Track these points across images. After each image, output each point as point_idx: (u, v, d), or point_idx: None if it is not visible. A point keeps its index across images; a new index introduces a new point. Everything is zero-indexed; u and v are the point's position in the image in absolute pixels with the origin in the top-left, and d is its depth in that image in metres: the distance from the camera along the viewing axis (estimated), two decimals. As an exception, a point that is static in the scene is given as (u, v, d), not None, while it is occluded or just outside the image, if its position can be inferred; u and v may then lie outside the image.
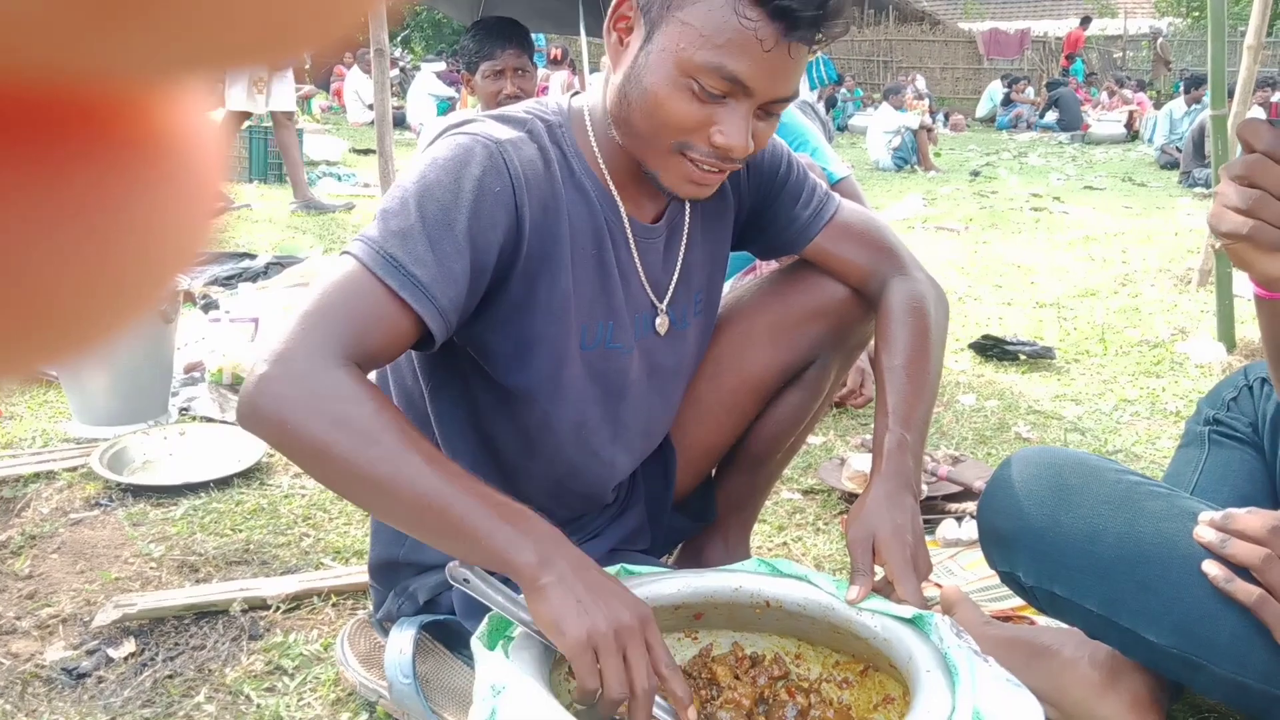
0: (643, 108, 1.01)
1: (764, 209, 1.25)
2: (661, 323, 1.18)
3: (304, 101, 9.92)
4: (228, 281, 3.33)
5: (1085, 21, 17.05)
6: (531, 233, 1.02)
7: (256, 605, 1.39)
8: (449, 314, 0.96)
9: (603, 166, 1.10)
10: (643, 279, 1.15)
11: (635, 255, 1.13)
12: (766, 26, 0.96)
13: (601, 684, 0.84)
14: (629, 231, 1.12)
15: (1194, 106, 9.32)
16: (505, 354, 1.07)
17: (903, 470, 1.08)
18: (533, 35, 3.08)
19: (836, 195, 1.28)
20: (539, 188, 1.03)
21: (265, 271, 3.46)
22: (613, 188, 1.10)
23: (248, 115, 5.05)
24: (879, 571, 1.03)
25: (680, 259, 1.18)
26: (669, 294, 1.18)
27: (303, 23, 0.12)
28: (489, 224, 0.98)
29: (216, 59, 0.12)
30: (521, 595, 0.88)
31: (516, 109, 1.11)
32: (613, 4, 1.03)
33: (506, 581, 0.92)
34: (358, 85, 11.14)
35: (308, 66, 11.56)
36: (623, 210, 1.11)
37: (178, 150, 0.13)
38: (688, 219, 1.19)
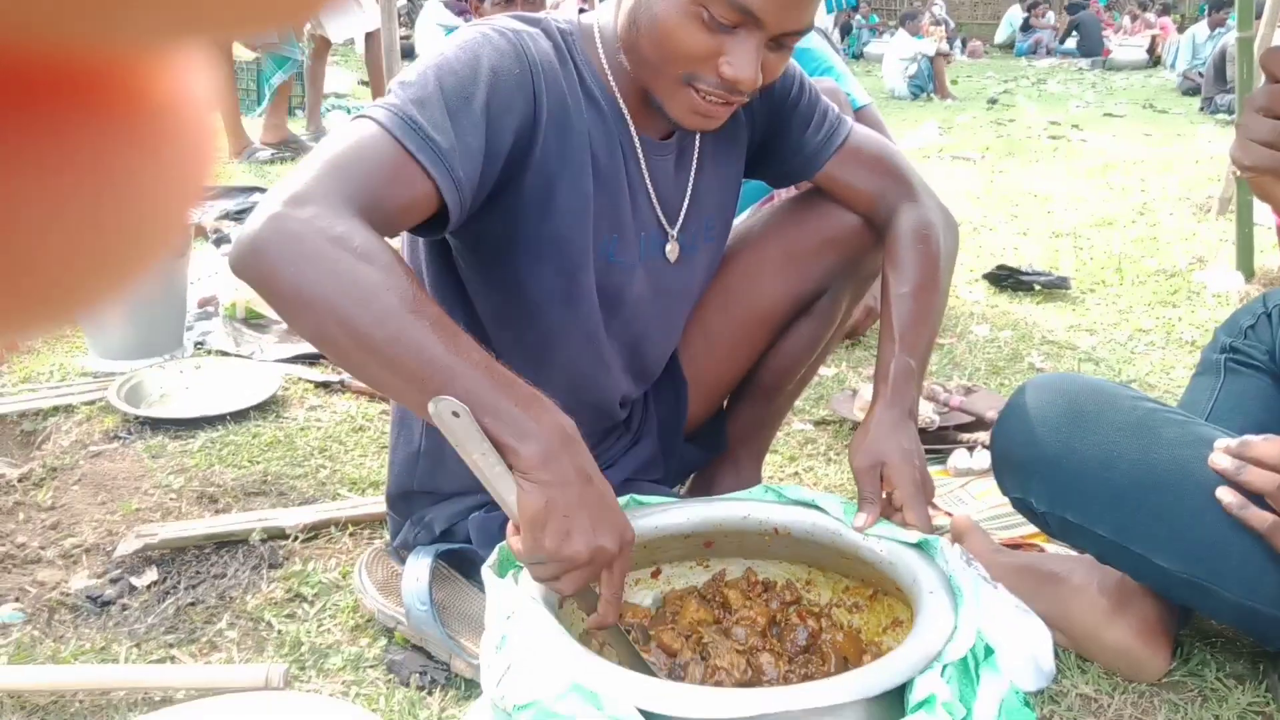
0: (651, 35, 0.99)
1: (775, 133, 1.23)
2: (672, 250, 1.17)
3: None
4: (238, 215, 3.32)
5: None
6: (549, 124, 1.01)
7: (275, 535, 1.41)
8: (464, 188, 0.93)
9: (612, 83, 1.08)
10: (652, 198, 1.14)
11: (645, 172, 1.12)
12: None
13: (564, 591, 0.85)
14: (638, 147, 1.11)
15: (1218, 30, 9.07)
16: (523, 252, 1.06)
17: (907, 397, 1.08)
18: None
19: (849, 119, 1.26)
20: (556, 82, 1.02)
21: (275, 206, 3.44)
22: (622, 103, 1.09)
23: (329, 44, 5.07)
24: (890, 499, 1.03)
25: (691, 181, 1.17)
26: (680, 220, 1.17)
27: None
28: (506, 106, 0.97)
29: (208, 24, 0.12)
30: (496, 550, 0.88)
31: (533, 14, 1.09)
32: None
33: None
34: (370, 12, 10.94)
35: None
36: (632, 126, 1.10)
37: (170, 114, 0.14)
38: (698, 140, 1.17)
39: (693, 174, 1.17)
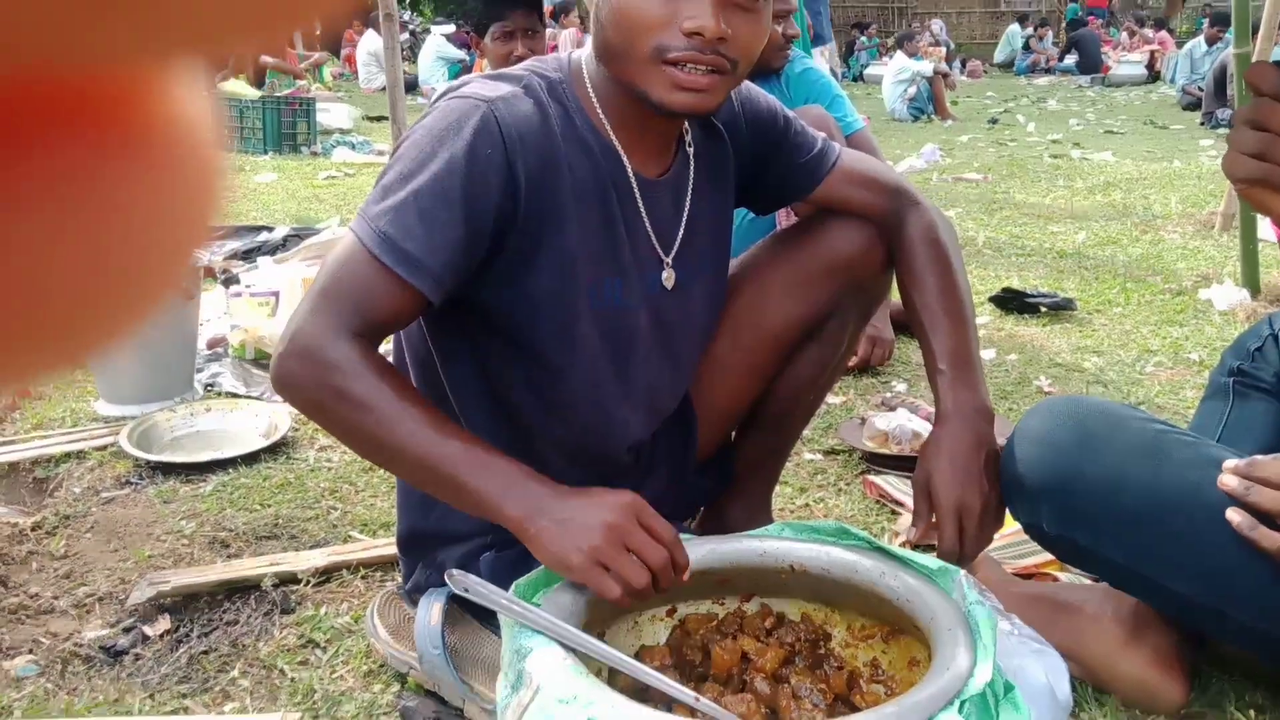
0: (613, 21, 1.02)
1: (765, 163, 1.25)
2: (668, 277, 1.18)
3: (315, 69, 9.87)
4: (247, 255, 3.34)
5: None
6: (528, 189, 1.03)
7: (287, 579, 1.41)
8: (444, 280, 1.00)
9: (604, 121, 1.10)
10: (650, 233, 1.15)
11: (642, 209, 1.13)
12: None
13: (622, 584, 0.91)
14: (634, 185, 1.12)
15: (1216, 45, 9.11)
16: (515, 311, 1.08)
17: (959, 407, 1.15)
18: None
19: (836, 144, 1.29)
20: (535, 143, 1.04)
21: (284, 244, 3.47)
22: (616, 142, 1.11)
23: None
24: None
25: (686, 212, 1.18)
26: (675, 248, 1.18)
27: (290, 3, 0.12)
28: (482, 189, 1.00)
29: (207, 41, 0.12)
30: (512, 589, 0.94)
31: (515, 68, 1.12)
32: None
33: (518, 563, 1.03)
34: (373, 47, 11.08)
35: (318, 32, 11.47)
36: (628, 164, 1.11)
37: (174, 136, 0.13)
38: (692, 172, 1.19)
39: (688, 206, 1.18)
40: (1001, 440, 1.76)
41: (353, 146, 6.54)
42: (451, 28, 11.30)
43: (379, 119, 7.82)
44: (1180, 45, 11.72)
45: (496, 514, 0.95)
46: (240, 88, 6.98)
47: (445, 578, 0.99)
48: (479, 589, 0.94)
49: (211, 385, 2.25)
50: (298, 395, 0.99)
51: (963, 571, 0.96)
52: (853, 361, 2.24)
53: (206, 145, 0.14)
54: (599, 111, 1.10)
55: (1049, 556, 1.38)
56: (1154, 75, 12.00)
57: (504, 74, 1.09)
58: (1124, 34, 14.24)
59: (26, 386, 0.13)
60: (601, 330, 1.13)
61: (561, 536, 0.92)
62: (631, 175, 1.12)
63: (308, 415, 1.02)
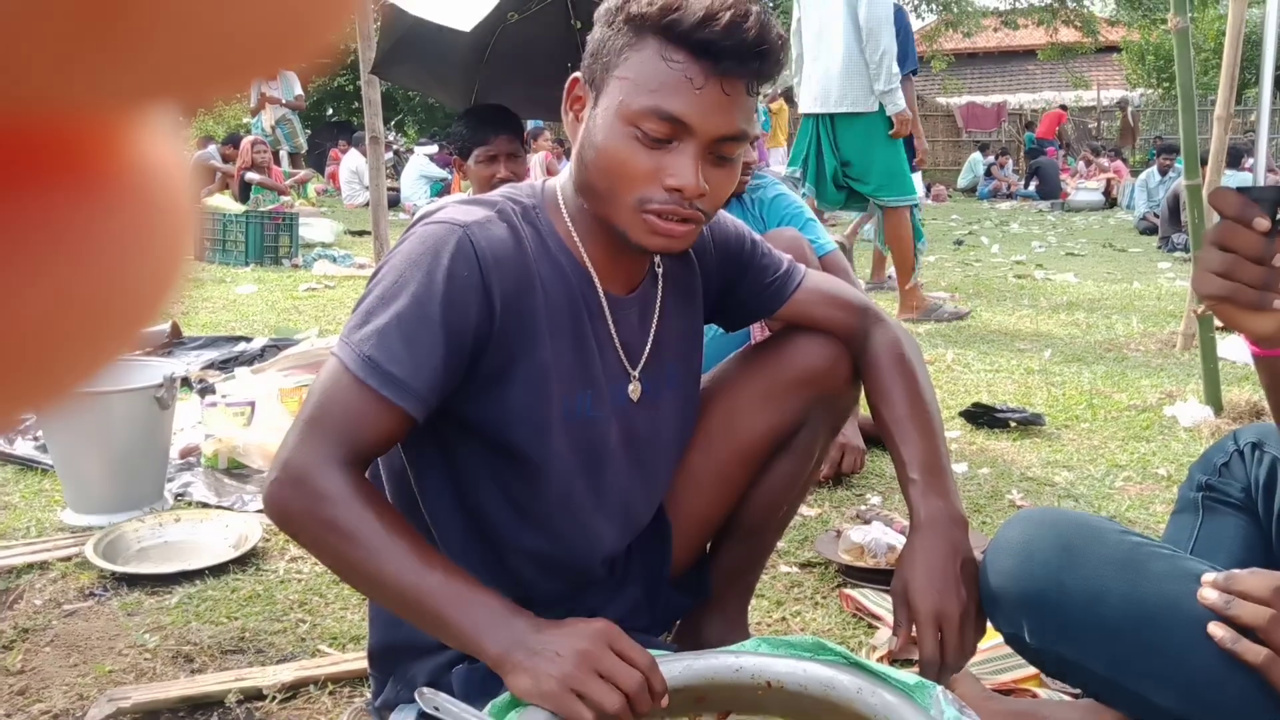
0: (597, 166, 1.06)
1: (734, 283, 1.31)
2: (634, 389, 1.20)
3: (300, 185, 10.06)
4: (224, 365, 3.34)
5: (1064, 108, 17.34)
6: (503, 309, 1.07)
7: (252, 695, 1.37)
8: (429, 399, 1.03)
9: (578, 243, 1.14)
10: (618, 347, 1.18)
11: (611, 325, 1.17)
12: (693, 65, 1.02)
13: (594, 709, 0.92)
14: (604, 303, 1.16)
15: (1168, 173, 9.53)
16: (490, 424, 1.11)
17: (933, 516, 1.16)
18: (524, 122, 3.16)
19: (801, 265, 1.34)
20: (509, 264, 1.07)
21: (261, 354, 3.47)
22: (588, 263, 1.14)
23: None
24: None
25: (653, 329, 1.22)
26: (642, 361, 1.21)
27: (261, 50, 0.12)
28: (461, 311, 1.04)
29: (179, 88, 0.12)
30: (486, 710, 0.94)
31: (490, 194, 1.17)
32: (566, 89, 1.11)
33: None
34: (356, 165, 11.34)
35: (304, 152, 11.73)
36: (598, 284, 1.15)
37: (144, 182, 0.13)
38: (660, 292, 1.23)
39: (655, 323, 1.22)
40: (977, 552, 1.78)
41: (334, 259, 6.62)
42: (434, 148, 11.61)
43: (361, 234, 7.95)
44: (1136, 174, 12.24)
45: (476, 649, 0.98)
46: (225, 202, 7.10)
47: (415, 695, 0.98)
48: (450, 708, 0.93)
49: (182, 495, 2.22)
50: (289, 523, 1.02)
51: (940, 687, 0.95)
52: (825, 470, 2.25)
53: (177, 190, 0.14)
54: (573, 235, 1.14)
55: (1029, 671, 1.37)
56: (1111, 201, 12.47)
57: (479, 200, 1.14)
58: (1080, 162, 14.86)
59: None
60: (574, 441, 1.15)
61: (536, 667, 0.94)
62: (601, 294, 1.16)
63: (299, 543, 1.06)
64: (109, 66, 0.11)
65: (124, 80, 0.11)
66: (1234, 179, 6.30)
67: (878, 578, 1.72)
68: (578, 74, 1.10)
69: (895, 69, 4.22)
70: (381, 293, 1.05)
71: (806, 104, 4.52)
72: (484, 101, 3.29)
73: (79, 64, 0.11)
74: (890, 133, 4.33)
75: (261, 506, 1.04)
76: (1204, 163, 3.17)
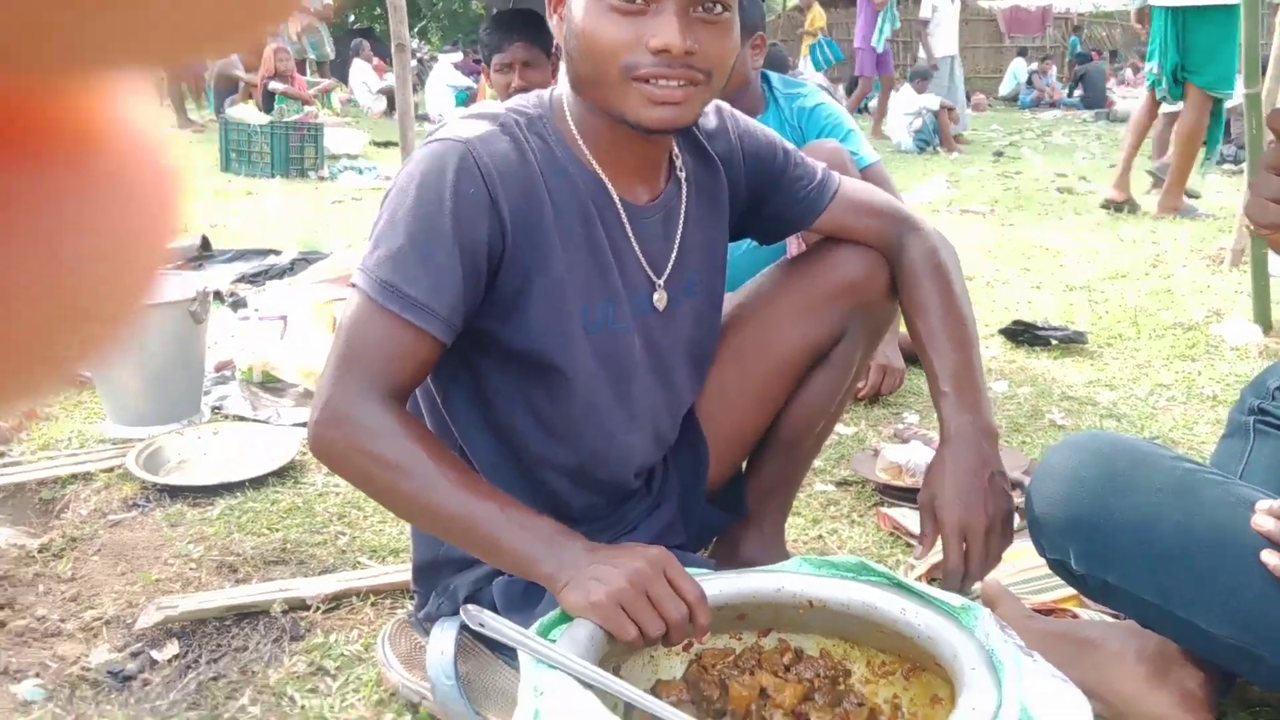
0: (581, 49, 1.04)
1: (766, 194, 1.27)
2: (660, 298, 1.19)
3: (324, 95, 9.94)
4: (255, 279, 3.34)
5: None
6: (514, 222, 1.05)
7: (296, 605, 1.39)
8: (454, 319, 1.03)
9: (586, 152, 1.12)
10: (639, 256, 1.16)
11: (630, 234, 1.15)
12: None
13: (637, 628, 0.92)
14: (621, 212, 1.13)
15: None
16: (513, 341, 1.10)
17: (962, 428, 1.15)
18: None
19: (837, 174, 1.30)
20: (515, 179, 1.06)
21: (291, 268, 3.47)
22: (600, 171, 1.12)
23: None
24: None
25: (678, 238, 1.19)
26: (667, 271, 1.19)
27: (237, 16, 0.12)
28: (470, 226, 1.03)
29: (157, 53, 0.11)
30: (533, 628, 0.94)
31: (494, 106, 1.15)
32: None
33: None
34: (363, 76, 11.19)
35: (330, 60, 11.58)
36: (613, 192, 1.13)
37: (126, 149, 0.13)
38: (684, 202, 1.20)
39: (679, 232, 1.19)
40: (1020, 474, 1.76)
41: (360, 172, 6.58)
42: (459, 55, 11.40)
43: (386, 144, 7.87)
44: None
45: (531, 571, 0.98)
46: (248, 113, 7.02)
47: (461, 612, 0.98)
48: (495, 624, 0.93)
49: (219, 408, 2.24)
50: (337, 462, 1.03)
51: (985, 609, 0.94)
52: (863, 390, 2.23)
53: (161, 159, 0.13)
54: (579, 142, 1.11)
55: (1068, 591, 1.36)
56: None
57: (482, 114, 1.12)
58: (1128, 69, 14.35)
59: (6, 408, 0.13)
60: (598, 353, 1.14)
61: (587, 582, 0.94)
62: (618, 201, 1.13)
63: (348, 480, 1.07)
64: (84, 31, 0.10)
65: (100, 45, 0.11)
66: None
67: (915, 497, 1.71)
68: None
69: None
70: (391, 216, 1.04)
71: None
72: (522, 4, 3.17)
73: (53, 30, 0.10)
74: None
75: (304, 435, 1.04)
76: (1264, 70, 3.03)
